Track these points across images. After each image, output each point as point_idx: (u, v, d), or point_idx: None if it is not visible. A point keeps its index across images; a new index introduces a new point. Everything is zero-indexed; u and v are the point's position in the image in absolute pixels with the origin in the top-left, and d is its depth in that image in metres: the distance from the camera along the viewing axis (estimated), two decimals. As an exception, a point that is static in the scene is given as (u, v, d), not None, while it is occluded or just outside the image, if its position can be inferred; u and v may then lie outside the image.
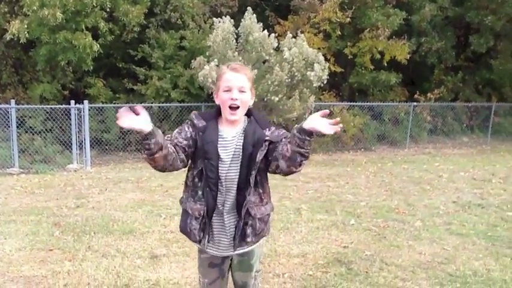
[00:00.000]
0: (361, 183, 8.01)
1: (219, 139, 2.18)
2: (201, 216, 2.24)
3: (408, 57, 13.21)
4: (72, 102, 9.67)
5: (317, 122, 1.96)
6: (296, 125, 2.04)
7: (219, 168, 2.17)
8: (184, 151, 2.13)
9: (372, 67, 13.22)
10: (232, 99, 2.14)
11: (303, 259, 4.27)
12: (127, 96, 11.80)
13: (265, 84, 9.68)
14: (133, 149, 11.33)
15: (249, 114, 2.27)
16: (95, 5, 9.75)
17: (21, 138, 9.76)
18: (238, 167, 2.18)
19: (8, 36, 9.47)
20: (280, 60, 10.03)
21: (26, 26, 9.38)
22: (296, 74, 9.93)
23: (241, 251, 2.35)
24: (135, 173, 8.87)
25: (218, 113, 2.25)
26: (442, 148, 13.37)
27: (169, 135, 2.18)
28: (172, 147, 2.07)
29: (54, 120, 10.15)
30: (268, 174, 2.29)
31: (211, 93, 10.42)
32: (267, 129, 2.20)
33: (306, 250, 4.50)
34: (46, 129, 10.29)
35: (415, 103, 13.61)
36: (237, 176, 2.19)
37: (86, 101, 9.76)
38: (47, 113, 10.16)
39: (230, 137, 2.21)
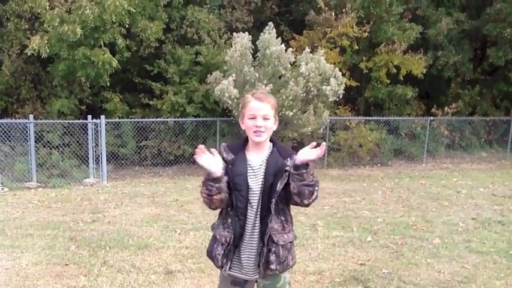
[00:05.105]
0: (377, 199, 7.91)
1: (248, 170, 2.30)
2: (226, 243, 2.34)
3: (424, 71, 13.12)
4: (89, 117, 9.82)
5: (306, 153, 2.17)
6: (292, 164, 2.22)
7: (249, 197, 2.29)
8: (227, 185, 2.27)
9: (388, 81, 13.15)
10: (256, 126, 2.27)
11: (319, 276, 4.21)
12: (143, 111, 11.91)
13: (280, 99, 9.68)
14: (149, 163, 11.40)
15: (273, 143, 2.39)
16: (114, 21, 9.90)
17: (39, 153, 9.90)
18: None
19: (28, 52, 9.66)
20: (296, 75, 10.02)
21: (46, 42, 9.56)
22: (312, 89, 9.90)
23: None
24: (150, 188, 8.90)
25: (246, 140, 2.39)
26: (460, 163, 13.15)
27: None
28: (227, 189, 2.24)
29: (71, 134, 10.30)
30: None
31: (227, 108, 10.42)
32: (289, 158, 2.28)
33: (322, 267, 4.44)
34: (63, 144, 10.43)
35: (431, 117, 13.44)
36: (260, 204, 2.31)
37: (102, 116, 9.90)
38: (65, 127, 10.31)
39: (257, 165, 2.32)
